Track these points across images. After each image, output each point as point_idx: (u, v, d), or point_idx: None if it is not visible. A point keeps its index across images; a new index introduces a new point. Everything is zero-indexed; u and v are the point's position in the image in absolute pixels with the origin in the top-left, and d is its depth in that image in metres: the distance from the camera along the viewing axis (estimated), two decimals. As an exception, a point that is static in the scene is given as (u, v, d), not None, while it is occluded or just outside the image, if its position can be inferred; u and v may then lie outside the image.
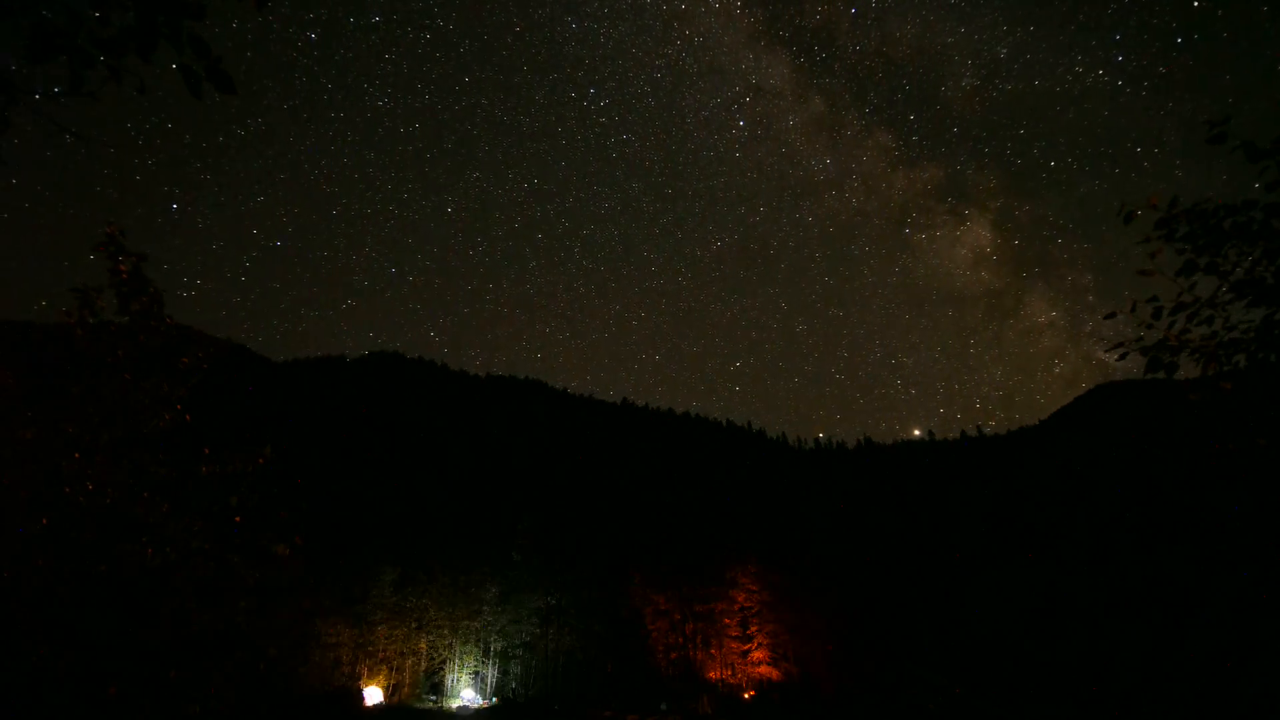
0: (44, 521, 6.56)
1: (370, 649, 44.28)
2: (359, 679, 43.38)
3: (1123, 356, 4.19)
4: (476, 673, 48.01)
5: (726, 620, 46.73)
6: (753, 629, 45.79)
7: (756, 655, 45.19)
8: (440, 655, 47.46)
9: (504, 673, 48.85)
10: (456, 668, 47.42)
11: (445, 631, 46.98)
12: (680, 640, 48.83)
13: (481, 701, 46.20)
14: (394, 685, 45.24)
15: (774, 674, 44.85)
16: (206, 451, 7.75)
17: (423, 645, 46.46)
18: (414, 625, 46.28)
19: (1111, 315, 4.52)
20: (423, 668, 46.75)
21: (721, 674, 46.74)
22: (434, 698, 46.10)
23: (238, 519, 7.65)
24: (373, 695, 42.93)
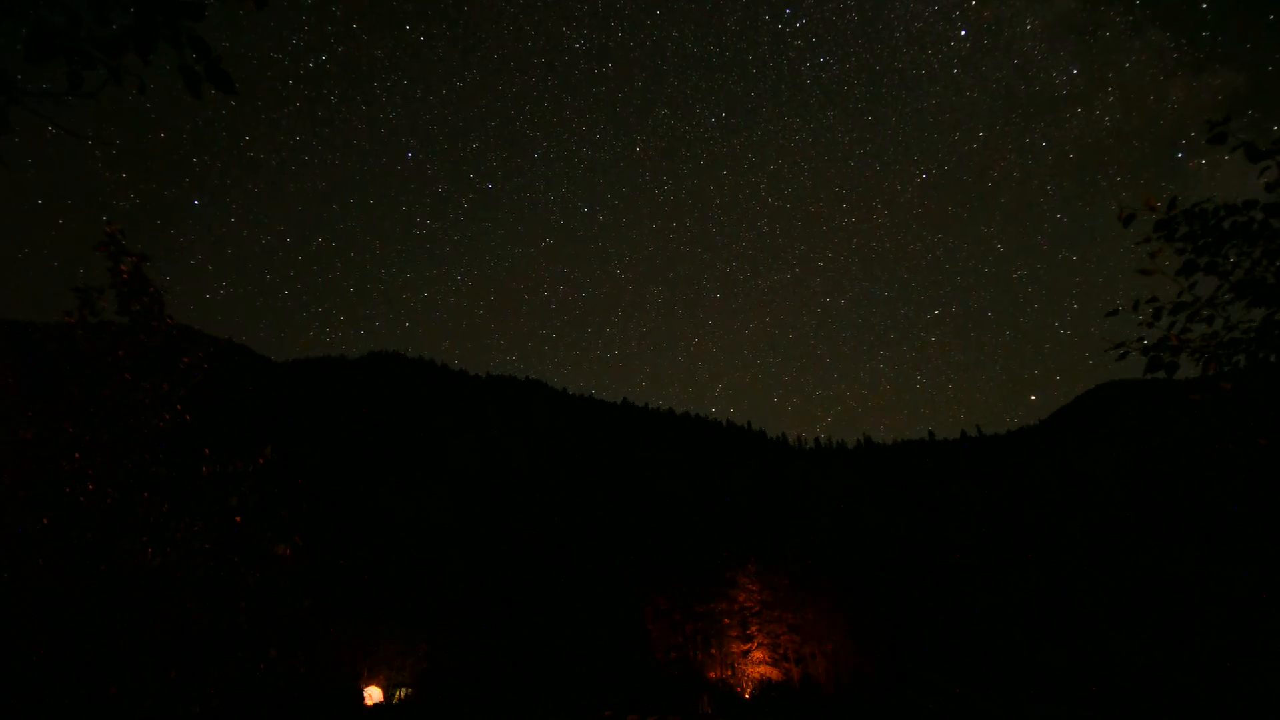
0: (44, 521, 6.57)
1: (370, 649, 44.28)
2: (359, 679, 43.36)
3: (1123, 356, 4.19)
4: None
5: (726, 620, 46.68)
6: (753, 629, 45.75)
7: (756, 655, 45.15)
8: (440, 655, 47.39)
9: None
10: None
11: (445, 631, 46.95)
12: (680, 640, 48.80)
13: None
14: (394, 685, 45.23)
15: (774, 674, 44.82)
16: (206, 451, 7.74)
17: (423, 645, 46.44)
18: (414, 625, 46.27)
19: (1113, 313, 4.52)
20: (423, 667, 46.71)
21: (721, 674, 46.71)
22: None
23: (238, 519, 7.64)
24: (373, 695, 42.92)
